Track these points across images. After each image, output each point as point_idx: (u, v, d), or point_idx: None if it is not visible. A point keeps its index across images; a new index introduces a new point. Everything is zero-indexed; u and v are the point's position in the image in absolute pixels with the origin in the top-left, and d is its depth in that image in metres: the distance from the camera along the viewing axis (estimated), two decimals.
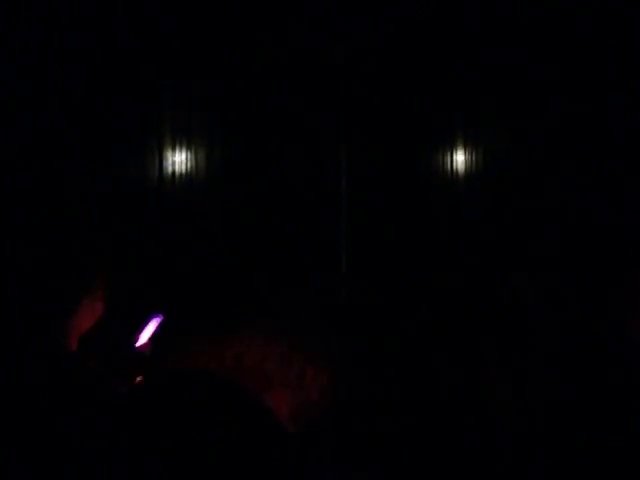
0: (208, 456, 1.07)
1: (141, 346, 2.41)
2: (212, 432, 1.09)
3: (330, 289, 4.26)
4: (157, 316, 2.48)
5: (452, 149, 4.70)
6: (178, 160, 4.48)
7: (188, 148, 4.48)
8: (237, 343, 2.59)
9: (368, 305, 4.01)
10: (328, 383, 2.69)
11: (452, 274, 4.09)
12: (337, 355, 3.06)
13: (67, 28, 4.23)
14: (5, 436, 1.03)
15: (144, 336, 2.45)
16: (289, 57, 4.50)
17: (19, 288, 1.09)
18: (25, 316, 1.11)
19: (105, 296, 1.67)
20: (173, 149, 4.47)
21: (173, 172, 4.47)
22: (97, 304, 1.59)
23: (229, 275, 4.30)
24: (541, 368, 3.02)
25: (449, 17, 4.57)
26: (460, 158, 4.70)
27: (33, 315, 1.10)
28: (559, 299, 3.19)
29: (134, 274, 4.06)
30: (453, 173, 4.67)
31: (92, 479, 1.03)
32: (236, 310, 3.53)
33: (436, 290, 3.99)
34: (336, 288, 4.36)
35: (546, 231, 3.84)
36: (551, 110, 4.51)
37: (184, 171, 4.48)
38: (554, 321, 3.19)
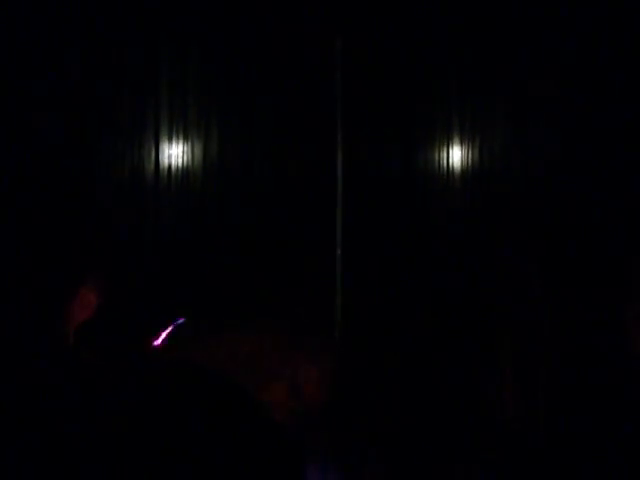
0: (202, 454, 1.06)
1: (159, 344, 2.42)
2: (205, 430, 1.08)
3: (326, 287, 4.26)
4: (180, 320, 2.49)
5: (448, 144, 4.68)
6: (174, 153, 4.45)
7: (185, 140, 4.45)
8: (233, 338, 2.57)
9: (365, 304, 4.00)
10: (326, 380, 2.67)
11: (450, 273, 4.08)
12: (336, 351, 3.04)
13: (60, 18, 4.20)
14: (3, 432, 1.01)
15: (163, 335, 2.46)
16: (287, 48, 4.47)
17: (15, 280, 1.07)
18: (20, 308, 1.09)
19: (101, 288, 1.66)
20: (170, 141, 4.44)
21: (169, 165, 4.44)
22: (93, 296, 1.57)
23: (226, 270, 4.29)
24: (542, 368, 3.03)
25: (446, 7, 4.55)
26: (457, 154, 4.67)
27: (28, 307, 1.08)
28: (560, 299, 3.20)
29: (131, 268, 4.05)
30: (449, 170, 4.65)
31: (90, 474, 1.01)
32: (233, 306, 3.52)
33: (434, 289, 3.98)
34: (332, 286, 4.36)
35: (548, 230, 3.83)
36: (553, 102, 4.49)
37: (180, 164, 4.45)
38: (554, 321, 3.20)
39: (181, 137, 4.44)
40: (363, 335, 3.40)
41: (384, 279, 4.17)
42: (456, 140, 4.64)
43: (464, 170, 4.63)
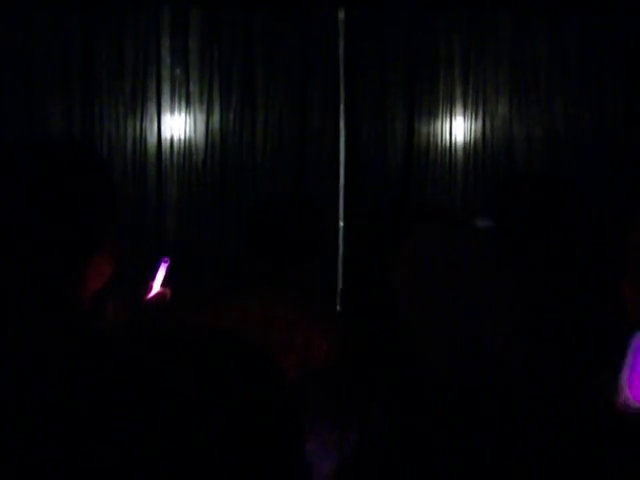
0: (216, 413, 1.08)
1: (155, 294, 2.43)
2: (222, 387, 1.10)
3: (328, 259, 4.27)
4: (164, 261, 2.48)
5: (451, 115, 4.65)
6: (177, 125, 4.45)
7: (187, 111, 4.44)
8: (244, 308, 2.58)
9: (366, 275, 4.01)
10: (333, 348, 2.68)
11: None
12: (341, 321, 3.05)
13: None
14: (16, 401, 1.03)
15: (156, 285, 2.46)
16: (291, 19, 4.45)
17: (28, 250, 1.08)
18: (35, 278, 1.10)
19: (113, 257, 1.68)
20: (172, 113, 4.44)
21: (172, 137, 4.44)
22: (106, 265, 1.59)
23: (229, 241, 4.31)
24: (541, 368, 3.02)
25: None
26: (459, 126, 4.66)
27: (43, 276, 1.10)
28: (565, 286, 3.17)
29: (135, 240, 4.07)
30: (452, 143, 4.64)
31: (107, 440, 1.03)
32: (238, 276, 3.54)
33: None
34: (334, 257, 4.37)
35: (556, 212, 3.83)
36: (564, 73, 4.46)
37: (183, 136, 4.45)
38: (556, 312, 3.18)
39: (183, 109, 4.43)
40: (365, 305, 3.41)
41: (386, 251, 4.17)
42: (459, 111, 4.63)
43: (466, 141, 4.61)
